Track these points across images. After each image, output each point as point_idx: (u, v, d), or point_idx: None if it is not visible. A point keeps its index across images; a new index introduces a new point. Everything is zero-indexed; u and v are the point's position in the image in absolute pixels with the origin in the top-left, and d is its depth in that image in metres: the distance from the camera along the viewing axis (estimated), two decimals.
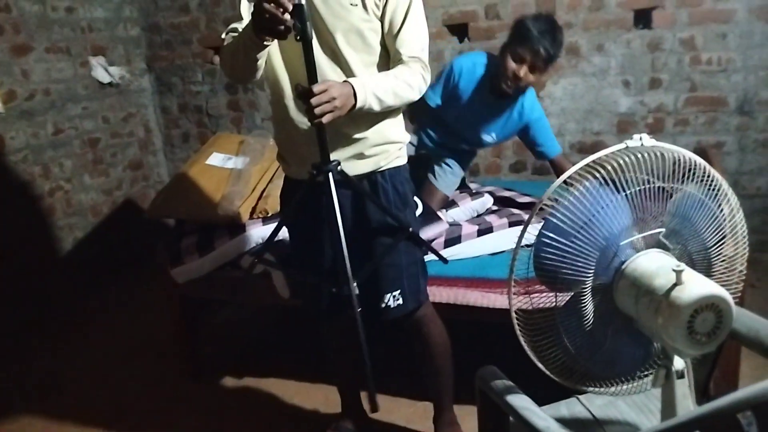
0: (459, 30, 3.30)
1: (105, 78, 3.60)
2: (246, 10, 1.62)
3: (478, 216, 2.51)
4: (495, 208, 2.59)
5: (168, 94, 3.98)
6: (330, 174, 1.48)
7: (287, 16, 1.31)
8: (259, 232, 2.38)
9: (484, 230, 2.34)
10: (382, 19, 1.57)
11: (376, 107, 1.52)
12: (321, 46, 1.55)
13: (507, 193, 2.75)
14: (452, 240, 2.33)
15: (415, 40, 1.59)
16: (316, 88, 1.37)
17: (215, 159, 2.69)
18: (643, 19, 3.03)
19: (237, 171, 2.60)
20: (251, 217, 2.43)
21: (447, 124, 2.53)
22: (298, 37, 1.36)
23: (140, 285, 3.44)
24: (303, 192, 1.56)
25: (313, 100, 1.37)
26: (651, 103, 3.12)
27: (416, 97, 1.60)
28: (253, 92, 3.78)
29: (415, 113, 2.53)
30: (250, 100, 3.81)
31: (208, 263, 2.36)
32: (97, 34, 3.59)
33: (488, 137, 2.50)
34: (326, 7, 1.52)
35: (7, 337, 2.92)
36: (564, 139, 3.28)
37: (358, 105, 1.46)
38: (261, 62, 1.56)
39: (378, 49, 1.60)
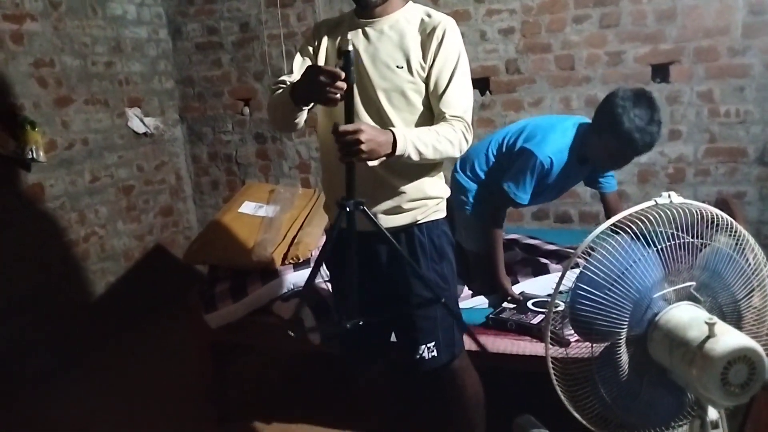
0: (481, 84, 3.42)
1: (140, 128, 3.75)
2: (298, 66, 1.72)
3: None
4: (520, 256, 2.65)
5: (199, 143, 4.13)
6: (348, 208, 1.49)
7: (341, 84, 1.38)
8: (290, 278, 2.46)
9: (513, 281, 2.42)
10: (427, 80, 1.64)
11: (415, 157, 1.55)
12: (365, 104, 1.63)
13: (532, 241, 2.81)
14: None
15: (459, 101, 1.64)
16: (348, 128, 1.43)
17: (247, 207, 2.79)
18: (660, 73, 3.13)
19: (268, 219, 2.69)
20: (283, 263, 2.50)
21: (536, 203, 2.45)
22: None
23: (169, 328, 3.51)
24: (336, 222, 1.56)
25: (342, 139, 1.43)
26: (671, 154, 3.19)
27: (457, 154, 1.64)
28: (281, 142, 3.91)
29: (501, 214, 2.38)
30: (278, 149, 3.94)
31: (242, 309, 2.43)
32: (133, 87, 3.75)
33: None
34: (374, 68, 1.62)
35: (40, 379, 2.99)
36: (585, 188, 3.34)
37: (398, 153, 1.51)
38: (300, 120, 1.65)
39: (420, 108, 1.66)
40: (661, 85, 3.13)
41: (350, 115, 1.46)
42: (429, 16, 1.68)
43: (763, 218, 3.13)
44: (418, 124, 1.66)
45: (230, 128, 4.03)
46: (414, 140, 1.54)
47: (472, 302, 2.38)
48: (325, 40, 1.73)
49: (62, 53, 3.27)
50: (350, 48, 1.38)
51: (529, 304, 2.24)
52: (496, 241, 2.38)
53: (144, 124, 3.77)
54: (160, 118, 3.94)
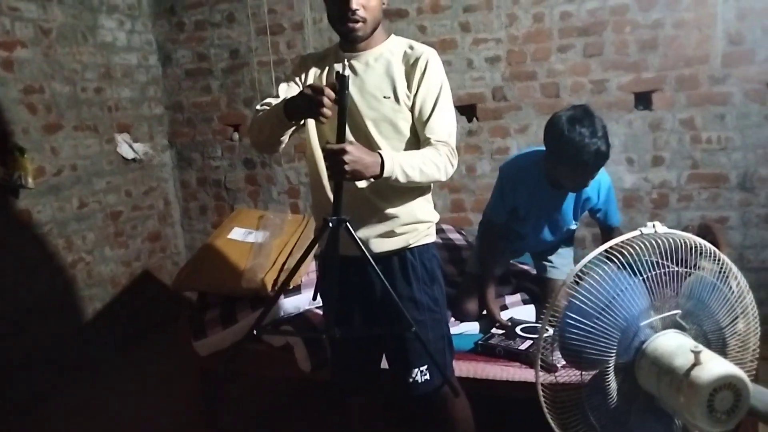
0: (468, 110, 3.48)
1: (129, 154, 3.75)
2: (283, 91, 1.75)
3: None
4: (511, 282, 2.68)
5: (188, 169, 4.14)
6: (331, 224, 1.50)
7: (327, 101, 1.43)
8: (280, 305, 2.46)
9: (501, 307, 2.44)
10: (412, 108, 1.70)
11: (402, 179, 1.59)
12: (354, 132, 1.66)
13: (521, 267, 2.85)
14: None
15: (443, 127, 1.69)
16: (334, 147, 1.47)
17: (237, 234, 2.79)
18: (643, 101, 3.20)
19: (258, 245, 2.70)
20: (272, 290, 2.50)
21: (529, 235, 2.43)
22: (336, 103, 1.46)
23: (156, 354, 3.48)
24: (320, 237, 1.58)
25: (328, 157, 1.48)
26: (654, 180, 3.25)
27: (443, 178, 1.68)
28: (270, 167, 3.93)
29: (496, 243, 2.45)
30: (267, 174, 3.96)
31: (231, 336, 2.42)
32: (123, 113, 3.77)
33: (572, 224, 2.40)
34: (362, 98, 1.66)
35: (27, 405, 2.95)
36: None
37: (385, 174, 1.55)
38: (284, 138, 1.69)
39: (407, 135, 1.71)
40: (644, 112, 3.20)
41: (341, 136, 1.49)
42: (411, 48, 1.74)
43: (746, 243, 3.19)
44: (406, 150, 1.71)
45: (219, 154, 4.05)
46: (401, 163, 1.58)
47: (461, 328, 2.39)
48: (311, 72, 1.78)
49: (52, 80, 3.28)
50: (347, 73, 1.42)
51: (518, 329, 2.26)
52: (484, 266, 2.42)
53: (133, 149, 3.78)
54: (149, 144, 3.95)
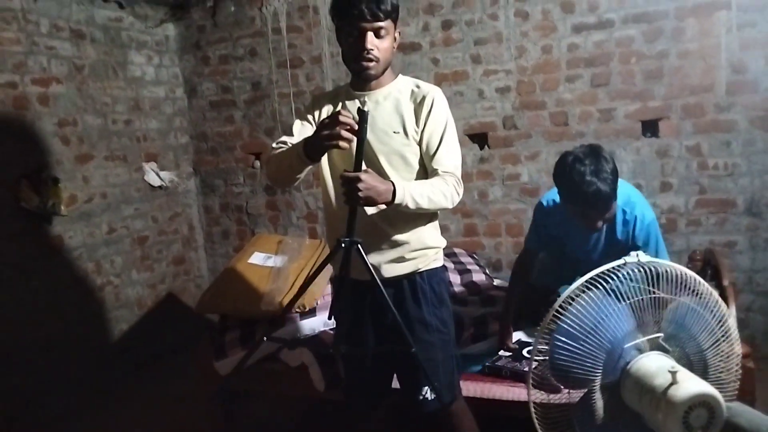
0: (480, 138, 3.60)
1: (156, 182, 3.94)
2: (297, 129, 1.90)
3: None
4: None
5: (211, 195, 4.31)
6: (344, 245, 1.64)
7: (347, 135, 1.56)
8: (297, 327, 2.57)
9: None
10: (420, 143, 1.82)
11: (412, 206, 1.71)
12: (367, 165, 1.76)
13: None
14: (479, 336, 2.51)
15: (449, 159, 1.82)
16: (350, 175, 1.61)
17: (256, 258, 2.93)
18: (650, 128, 3.29)
19: (277, 269, 2.83)
20: (290, 312, 2.62)
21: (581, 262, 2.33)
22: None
23: (179, 374, 3.60)
24: (331, 255, 1.73)
25: (344, 184, 1.61)
26: (663, 205, 3.32)
27: (449, 206, 1.80)
28: (290, 194, 4.09)
29: (527, 269, 2.50)
30: (287, 200, 4.11)
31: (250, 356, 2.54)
32: (150, 143, 3.96)
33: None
34: (373, 134, 1.79)
35: (54, 425, 3.08)
36: None
37: (396, 201, 1.67)
38: (302, 176, 1.81)
39: (416, 167, 1.84)
40: (651, 139, 3.29)
41: (358, 165, 1.63)
42: (418, 87, 1.86)
43: (754, 267, 3.24)
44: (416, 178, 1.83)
45: (241, 180, 4.21)
46: (411, 191, 1.70)
47: (471, 349, 2.48)
48: (324, 110, 1.91)
49: (84, 113, 3.49)
50: (366, 109, 1.56)
51: (524, 352, 2.35)
52: (510, 289, 2.52)
53: (159, 177, 3.96)
54: (175, 172, 4.14)
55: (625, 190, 2.24)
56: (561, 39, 3.36)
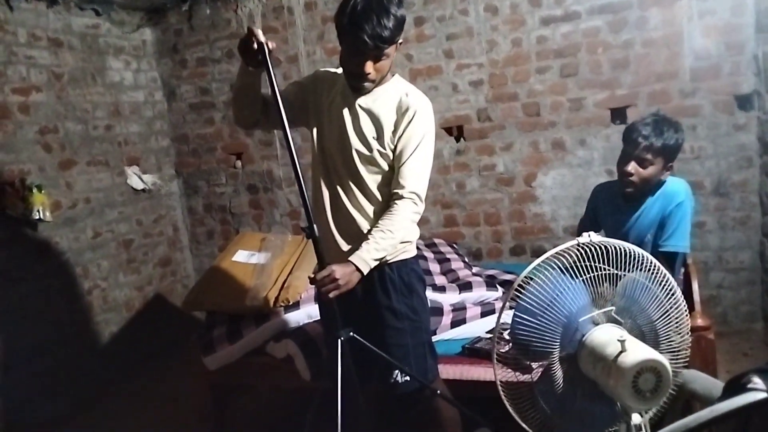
0: (455, 131, 3.69)
1: (139, 185, 3.99)
2: (290, 85, 2.05)
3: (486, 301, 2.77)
4: (501, 291, 2.86)
5: (194, 196, 4.37)
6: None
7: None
8: (281, 320, 2.66)
9: (487, 312, 2.64)
10: (393, 151, 1.90)
11: (381, 257, 1.85)
12: (345, 163, 1.90)
13: (508, 277, 3.04)
14: (458, 322, 2.61)
15: (412, 177, 1.87)
16: (323, 273, 1.74)
17: (240, 256, 3.00)
18: (619, 115, 3.39)
19: (260, 266, 2.90)
20: (274, 306, 2.70)
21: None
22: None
23: (169, 373, 3.67)
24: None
25: (319, 284, 1.75)
26: None
27: (414, 228, 1.94)
28: (272, 191, 4.16)
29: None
30: (269, 198, 4.18)
31: (237, 350, 2.62)
32: (132, 147, 4.01)
33: (647, 240, 2.33)
34: (355, 134, 1.88)
35: (46, 426, 3.14)
36: (558, 223, 3.58)
37: (366, 272, 1.80)
38: (257, 104, 1.94)
39: (387, 170, 1.92)
40: (620, 126, 3.37)
41: (321, 263, 1.79)
42: (407, 95, 1.91)
43: (723, 245, 3.35)
44: (384, 179, 1.93)
45: (224, 181, 4.28)
46: (374, 256, 1.82)
47: (450, 334, 2.58)
48: (319, 89, 1.98)
49: (65, 120, 3.53)
50: (263, 41, 1.73)
51: (505, 334, 2.44)
52: None
53: (142, 180, 4.02)
54: (158, 175, 4.19)
55: (679, 186, 2.34)
56: (530, 32, 3.45)
